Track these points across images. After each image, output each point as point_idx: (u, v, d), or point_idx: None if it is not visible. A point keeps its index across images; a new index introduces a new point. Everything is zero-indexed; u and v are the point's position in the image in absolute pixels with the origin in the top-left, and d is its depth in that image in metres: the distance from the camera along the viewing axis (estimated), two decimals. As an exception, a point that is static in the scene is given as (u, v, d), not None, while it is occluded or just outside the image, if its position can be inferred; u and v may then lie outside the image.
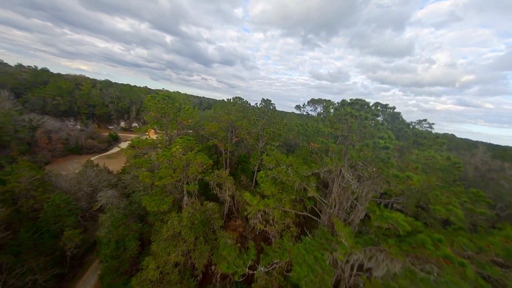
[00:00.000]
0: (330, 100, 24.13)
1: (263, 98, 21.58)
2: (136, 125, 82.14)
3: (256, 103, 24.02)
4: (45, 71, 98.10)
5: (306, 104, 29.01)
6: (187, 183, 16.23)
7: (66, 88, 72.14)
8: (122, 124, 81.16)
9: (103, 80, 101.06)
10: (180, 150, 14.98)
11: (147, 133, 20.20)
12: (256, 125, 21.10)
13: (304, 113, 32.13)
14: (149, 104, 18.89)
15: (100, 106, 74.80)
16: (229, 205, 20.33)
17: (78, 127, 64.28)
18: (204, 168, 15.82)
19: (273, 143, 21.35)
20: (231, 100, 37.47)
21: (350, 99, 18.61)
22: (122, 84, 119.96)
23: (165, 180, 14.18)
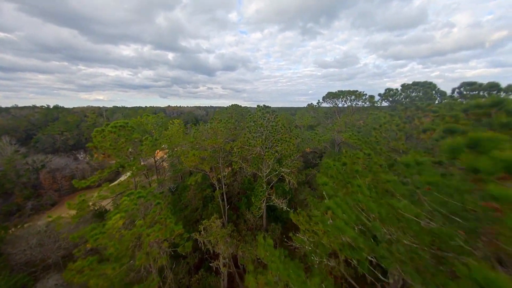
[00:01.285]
0: (357, 91, 16.30)
1: (258, 105, 14.74)
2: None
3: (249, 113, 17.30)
4: (56, 108, 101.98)
5: (321, 101, 21.26)
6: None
7: (73, 121, 72.49)
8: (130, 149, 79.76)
9: (109, 107, 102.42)
10: (121, 222, 8.76)
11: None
12: (254, 147, 14.27)
13: (318, 104, 24.09)
14: (95, 142, 13.22)
15: (106, 134, 73.97)
16: (230, 271, 13.72)
17: (87, 159, 63.40)
18: (170, 244, 9.41)
19: (282, 170, 14.27)
20: (228, 108, 31.06)
21: (405, 84, 10.91)
22: (130, 107, 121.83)
23: (98, 280, 8.06)
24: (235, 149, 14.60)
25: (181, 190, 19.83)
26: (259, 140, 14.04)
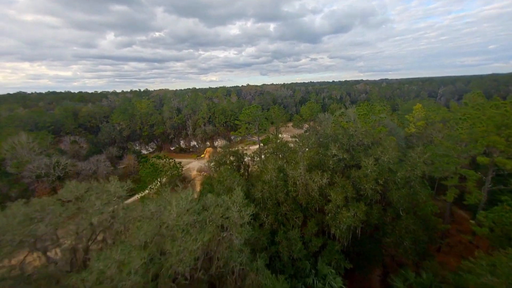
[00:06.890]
0: None
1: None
2: (195, 143, 63.05)
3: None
4: (145, 92, 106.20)
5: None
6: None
7: (131, 109, 64.83)
8: (182, 143, 65.14)
9: (178, 90, 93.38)
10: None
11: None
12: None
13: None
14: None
15: (158, 125, 61.69)
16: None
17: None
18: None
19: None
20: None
21: None
22: (222, 87, 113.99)
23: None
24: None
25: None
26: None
